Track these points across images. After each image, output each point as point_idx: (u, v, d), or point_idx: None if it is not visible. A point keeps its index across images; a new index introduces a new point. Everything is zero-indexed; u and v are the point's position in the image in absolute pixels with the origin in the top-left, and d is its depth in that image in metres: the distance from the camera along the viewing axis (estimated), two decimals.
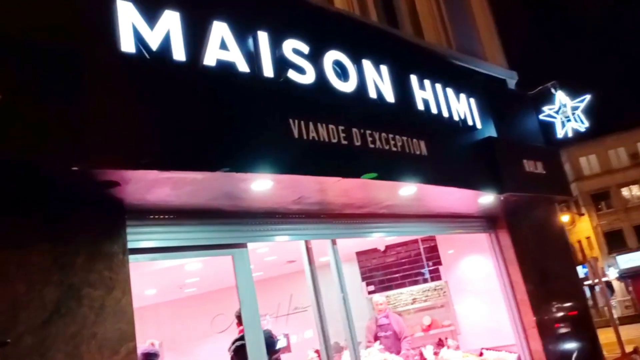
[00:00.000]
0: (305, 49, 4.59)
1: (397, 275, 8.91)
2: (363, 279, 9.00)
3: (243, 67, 4.11)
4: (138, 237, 4.06)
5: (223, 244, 4.63)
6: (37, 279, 3.21)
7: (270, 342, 6.20)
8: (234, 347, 5.86)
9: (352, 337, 5.49)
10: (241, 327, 5.50)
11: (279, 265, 8.43)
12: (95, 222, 3.60)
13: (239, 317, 5.57)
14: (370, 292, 8.98)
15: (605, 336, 13.43)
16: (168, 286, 8.21)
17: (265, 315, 9.88)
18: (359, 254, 9.09)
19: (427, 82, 5.79)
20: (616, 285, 34.55)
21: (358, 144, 4.68)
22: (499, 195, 6.24)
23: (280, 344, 8.01)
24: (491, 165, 6.17)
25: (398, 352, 7.12)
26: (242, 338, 5.35)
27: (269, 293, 9.49)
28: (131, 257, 3.85)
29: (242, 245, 4.77)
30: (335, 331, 6.80)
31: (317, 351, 6.54)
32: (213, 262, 6.56)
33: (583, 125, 8.38)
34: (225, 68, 3.99)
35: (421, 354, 6.97)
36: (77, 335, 3.24)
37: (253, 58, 4.22)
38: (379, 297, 8.11)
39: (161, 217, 4.27)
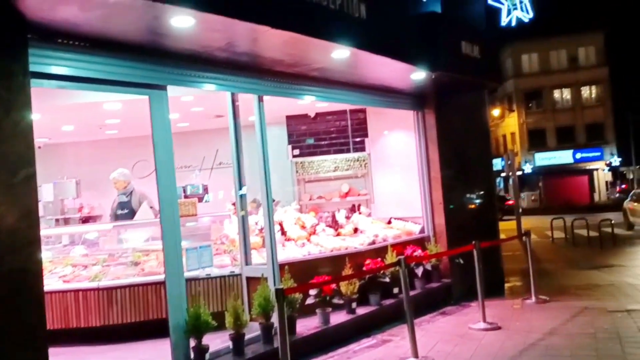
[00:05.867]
0: None
1: (323, 142, 9.05)
2: (290, 142, 9.08)
3: None
4: (45, 60, 3.82)
5: (140, 83, 4.42)
6: None
7: None
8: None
9: (268, 195, 5.63)
10: None
11: (207, 119, 8.27)
12: None
13: None
14: (295, 156, 9.14)
15: (509, 223, 14.96)
16: (87, 124, 7.92)
17: (194, 168, 9.95)
18: (289, 117, 9.06)
19: None
20: (528, 180, 37.31)
21: None
22: (431, 73, 6.25)
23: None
24: (429, 41, 6.08)
25: None
26: None
27: (195, 145, 9.43)
28: (36, 82, 3.66)
29: (161, 87, 4.58)
30: (257, 189, 6.96)
31: (234, 204, 6.69)
32: (134, 105, 6.30)
33: (528, 15, 8.29)
34: None
35: (334, 217, 7.33)
36: None
37: None
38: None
39: (72, 43, 3.97)
